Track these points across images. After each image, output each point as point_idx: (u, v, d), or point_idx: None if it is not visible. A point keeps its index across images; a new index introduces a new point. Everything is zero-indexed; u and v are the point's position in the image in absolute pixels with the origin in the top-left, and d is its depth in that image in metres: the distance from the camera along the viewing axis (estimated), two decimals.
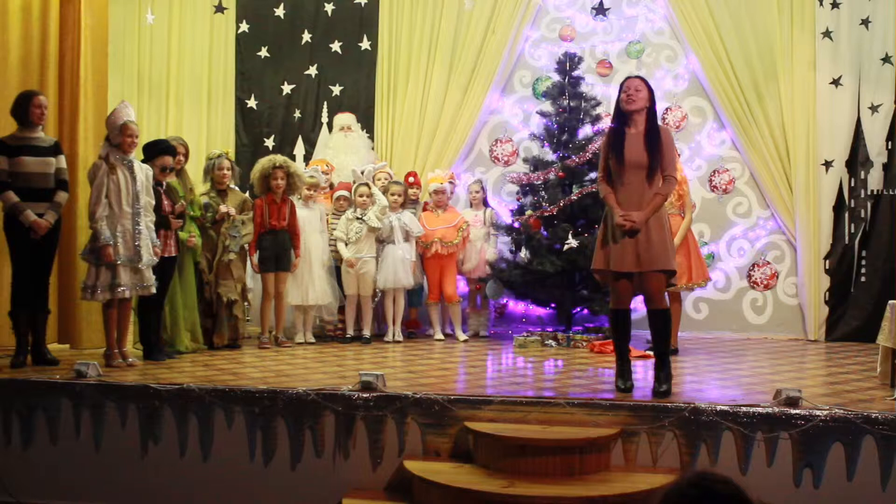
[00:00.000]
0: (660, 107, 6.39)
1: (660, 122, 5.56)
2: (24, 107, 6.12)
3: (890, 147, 8.13)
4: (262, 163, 7.48)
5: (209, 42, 9.40)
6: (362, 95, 9.12)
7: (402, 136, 8.87)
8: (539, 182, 7.89)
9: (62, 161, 6.29)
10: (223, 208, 7.16)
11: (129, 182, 6.00)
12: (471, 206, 8.36)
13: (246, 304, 7.58)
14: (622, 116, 5.27)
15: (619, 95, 5.28)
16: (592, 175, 7.90)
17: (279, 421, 5.12)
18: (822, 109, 8.21)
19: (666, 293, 5.35)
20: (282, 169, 7.36)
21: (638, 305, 6.10)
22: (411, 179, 8.15)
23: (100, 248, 5.87)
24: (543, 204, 7.75)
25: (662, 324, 5.23)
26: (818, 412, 4.69)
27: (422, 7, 8.90)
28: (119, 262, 5.92)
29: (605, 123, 8.33)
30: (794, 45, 8.27)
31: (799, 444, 4.67)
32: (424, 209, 8.15)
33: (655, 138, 5.16)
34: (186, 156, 7.10)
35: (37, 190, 6.09)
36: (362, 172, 7.98)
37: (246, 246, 7.35)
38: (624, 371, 5.29)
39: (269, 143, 9.26)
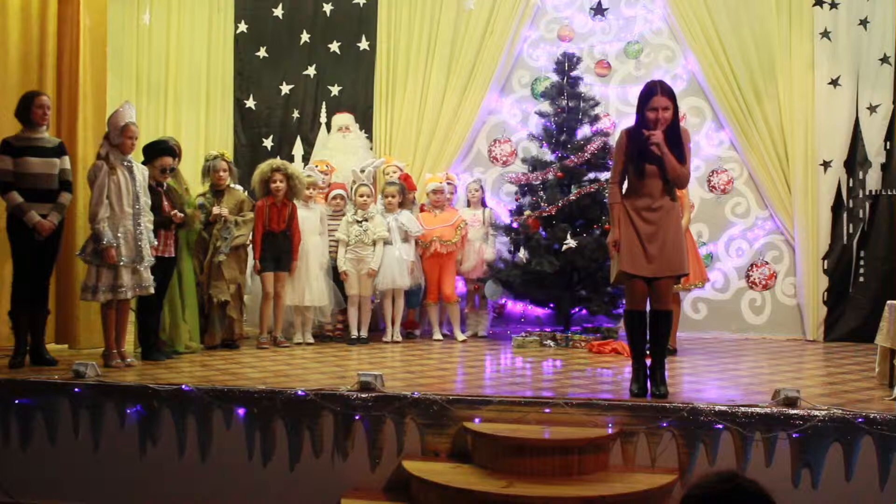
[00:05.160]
0: None
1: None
2: (26, 107, 6.13)
3: (888, 147, 8.14)
4: (262, 167, 7.48)
5: (207, 42, 9.41)
6: (361, 96, 9.13)
7: (401, 137, 8.88)
8: (538, 182, 7.89)
9: (66, 162, 6.28)
10: (216, 209, 7.16)
11: (128, 182, 6.00)
12: (469, 205, 8.37)
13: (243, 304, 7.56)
14: (644, 126, 5.06)
15: (643, 107, 5.06)
16: (591, 175, 7.91)
17: (278, 421, 5.11)
18: (821, 110, 8.22)
19: None
20: (280, 171, 7.36)
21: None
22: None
23: (102, 249, 5.86)
24: (542, 204, 7.75)
25: (665, 325, 5.21)
26: (816, 412, 4.69)
27: (420, 7, 8.91)
28: (122, 263, 5.91)
29: (604, 124, 8.37)
30: (792, 46, 8.28)
31: (797, 444, 4.68)
32: (421, 210, 8.15)
33: (678, 149, 5.05)
34: (179, 156, 7.09)
35: (41, 191, 6.08)
36: (362, 171, 7.99)
37: (249, 245, 7.35)
38: (639, 375, 5.18)
39: (268, 143, 9.26)
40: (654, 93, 5.05)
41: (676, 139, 5.08)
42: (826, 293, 8.25)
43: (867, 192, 8.19)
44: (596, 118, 8.11)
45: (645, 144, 5.01)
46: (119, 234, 5.91)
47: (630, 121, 7.80)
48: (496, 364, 6.78)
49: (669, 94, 5.07)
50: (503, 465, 4.69)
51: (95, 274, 5.94)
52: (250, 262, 7.45)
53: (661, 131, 5.00)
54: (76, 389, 5.32)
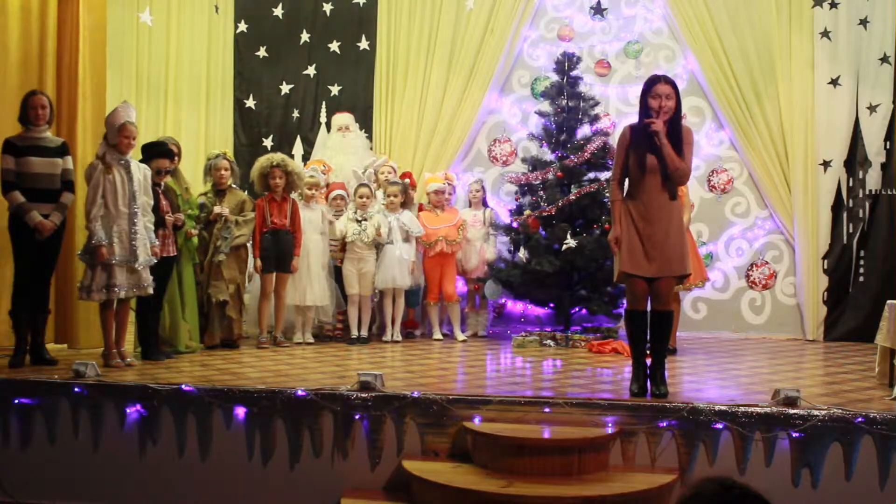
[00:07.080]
0: None
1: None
2: (23, 107, 6.14)
3: (888, 147, 8.14)
4: (261, 161, 7.48)
5: (207, 42, 9.40)
6: (361, 95, 9.13)
7: (401, 136, 8.88)
8: (538, 182, 7.89)
9: (69, 162, 6.27)
10: (217, 209, 7.16)
11: (125, 182, 5.98)
12: (470, 205, 8.37)
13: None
14: (646, 115, 5.06)
15: (645, 97, 5.08)
16: (591, 175, 7.91)
17: (278, 421, 5.11)
18: (821, 109, 8.22)
19: None
20: (279, 167, 7.36)
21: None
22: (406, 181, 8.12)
23: (93, 247, 5.86)
24: (542, 204, 7.75)
25: (665, 325, 5.21)
26: (816, 412, 4.69)
27: (420, 7, 8.91)
28: (114, 262, 5.89)
29: (604, 123, 8.37)
30: (792, 45, 8.29)
31: (797, 443, 4.68)
32: (420, 209, 8.15)
33: (678, 144, 5.05)
34: (179, 156, 7.09)
35: (43, 191, 6.07)
36: (363, 172, 7.99)
37: (249, 245, 7.35)
38: (639, 375, 5.19)
39: (268, 143, 9.26)
40: (657, 81, 5.10)
41: (677, 134, 5.09)
42: (826, 293, 8.25)
43: (867, 192, 8.19)
44: (596, 118, 8.10)
45: (646, 132, 5.01)
46: (113, 234, 5.90)
47: (630, 120, 7.87)
48: (496, 364, 6.77)
49: (672, 84, 5.11)
50: (503, 465, 4.69)
51: (91, 273, 5.93)
52: (250, 261, 7.45)
53: (662, 121, 5.00)
54: (76, 389, 5.31)
